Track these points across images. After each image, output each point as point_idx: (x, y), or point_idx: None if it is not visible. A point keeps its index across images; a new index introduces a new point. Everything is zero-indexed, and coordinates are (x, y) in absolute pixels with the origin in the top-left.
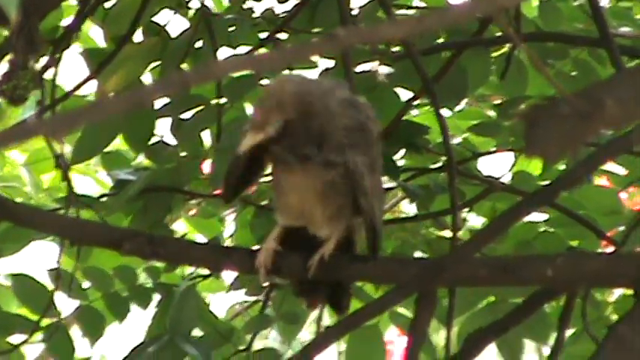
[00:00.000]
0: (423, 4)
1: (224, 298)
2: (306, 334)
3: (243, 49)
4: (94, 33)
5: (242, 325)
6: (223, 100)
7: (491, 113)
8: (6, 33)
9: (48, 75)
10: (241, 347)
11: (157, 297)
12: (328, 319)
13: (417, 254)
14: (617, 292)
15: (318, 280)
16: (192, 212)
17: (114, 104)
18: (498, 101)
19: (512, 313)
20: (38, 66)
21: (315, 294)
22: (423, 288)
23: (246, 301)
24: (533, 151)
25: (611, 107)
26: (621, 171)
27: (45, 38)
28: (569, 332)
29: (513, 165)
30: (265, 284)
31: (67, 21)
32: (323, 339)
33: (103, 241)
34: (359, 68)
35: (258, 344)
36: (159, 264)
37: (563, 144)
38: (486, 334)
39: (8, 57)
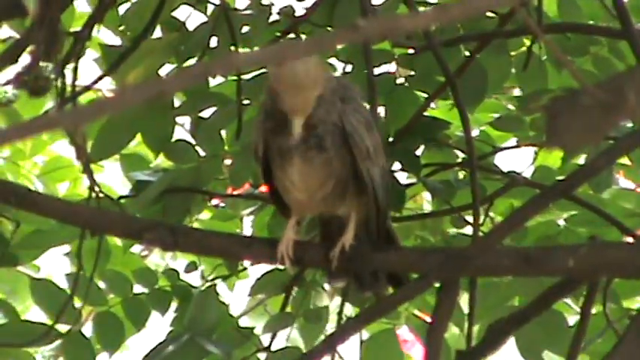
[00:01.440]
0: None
1: (246, 286)
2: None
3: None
4: (106, 37)
5: (263, 314)
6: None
7: (510, 106)
8: (27, 24)
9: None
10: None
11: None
12: (351, 309)
13: None
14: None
15: (341, 269)
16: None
17: (135, 94)
18: (518, 93)
19: (532, 303)
20: (59, 58)
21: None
22: (446, 277)
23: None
24: (555, 142)
25: (633, 98)
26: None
27: (66, 30)
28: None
29: (534, 160)
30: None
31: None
32: (346, 329)
33: (124, 231)
34: (377, 70)
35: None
36: (178, 265)
37: (585, 135)
38: (508, 324)
39: (30, 48)
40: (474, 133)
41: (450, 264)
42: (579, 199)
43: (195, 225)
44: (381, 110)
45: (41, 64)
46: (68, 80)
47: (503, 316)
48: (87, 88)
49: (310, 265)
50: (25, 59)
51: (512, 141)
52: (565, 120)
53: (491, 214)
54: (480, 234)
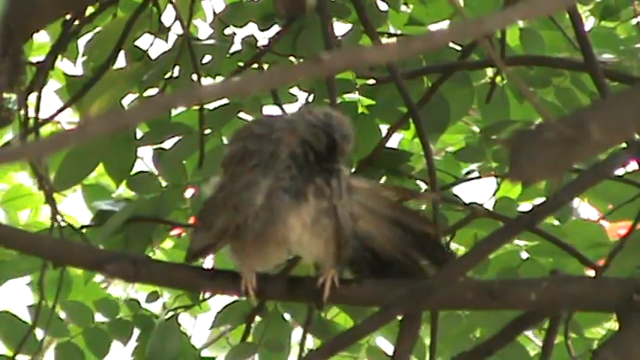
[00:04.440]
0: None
1: (207, 318)
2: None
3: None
4: (67, 68)
5: (225, 346)
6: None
7: (475, 128)
8: None
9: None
10: None
11: (137, 333)
12: (313, 343)
13: None
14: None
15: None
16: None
17: (99, 126)
18: (479, 118)
19: (495, 336)
20: (22, 89)
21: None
22: (408, 310)
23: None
24: (518, 176)
25: (595, 132)
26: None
27: (28, 61)
28: None
29: (496, 191)
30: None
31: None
32: None
33: (87, 263)
34: (339, 99)
35: None
36: (141, 290)
37: (548, 169)
38: (470, 357)
39: None
40: (438, 156)
41: (413, 297)
42: (541, 232)
43: (158, 253)
44: None
45: (4, 95)
46: (30, 111)
47: (466, 348)
48: (49, 119)
49: (273, 297)
50: None
51: (474, 166)
52: (528, 154)
53: (453, 244)
54: None
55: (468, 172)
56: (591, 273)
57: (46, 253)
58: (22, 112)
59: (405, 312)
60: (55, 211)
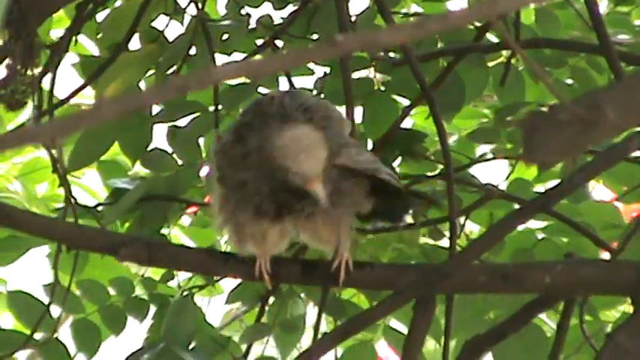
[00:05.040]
0: (420, 10)
1: (220, 302)
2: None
3: (237, 56)
4: (86, 41)
5: (238, 329)
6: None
7: (486, 110)
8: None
9: (45, 80)
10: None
11: (153, 310)
12: (326, 325)
13: None
14: (620, 309)
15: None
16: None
17: (112, 108)
18: (496, 100)
19: (510, 319)
20: (36, 71)
21: None
22: (422, 294)
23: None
24: (532, 158)
25: (610, 114)
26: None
27: (43, 43)
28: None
29: (511, 172)
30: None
31: (57, 32)
32: (321, 345)
33: (101, 246)
34: (356, 75)
35: (255, 352)
36: (155, 275)
37: (562, 151)
38: (485, 340)
39: (6, 62)
40: (452, 139)
41: (426, 281)
42: (557, 213)
43: (175, 230)
44: (359, 112)
45: (18, 77)
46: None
47: (481, 329)
48: (64, 102)
49: (287, 281)
50: (1, 72)
51: (488, 148)
52: (542, 136)
53: (467, 227)
54: (457, 246)
55: (482, 155)
56: (606, 255)
57: (59, 237)
58: (37, 94)
59: (418, 295)
60: (68, 193)
